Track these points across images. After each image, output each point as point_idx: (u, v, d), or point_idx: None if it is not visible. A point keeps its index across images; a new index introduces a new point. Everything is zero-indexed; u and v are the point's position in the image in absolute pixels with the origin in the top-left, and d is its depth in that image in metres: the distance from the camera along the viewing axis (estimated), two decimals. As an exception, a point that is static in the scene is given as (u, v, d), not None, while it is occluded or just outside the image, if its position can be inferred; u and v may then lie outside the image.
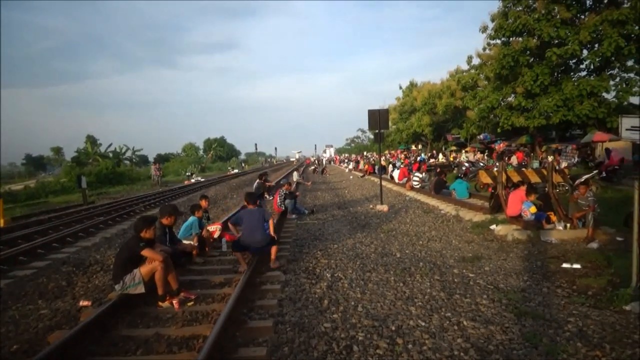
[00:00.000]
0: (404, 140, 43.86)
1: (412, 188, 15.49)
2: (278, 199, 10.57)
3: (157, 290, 4.45)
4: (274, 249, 5.76)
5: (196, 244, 6.16)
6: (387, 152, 53.50)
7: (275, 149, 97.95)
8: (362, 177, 25.98)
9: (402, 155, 35.23)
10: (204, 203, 7.54)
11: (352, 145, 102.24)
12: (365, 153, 66.30)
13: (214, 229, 7.04)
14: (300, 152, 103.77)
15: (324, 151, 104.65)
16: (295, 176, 22.61)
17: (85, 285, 5.50)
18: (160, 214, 5.54)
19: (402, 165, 21.51)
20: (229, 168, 49.77)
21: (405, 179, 17.22)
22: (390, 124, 39.60)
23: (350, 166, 37.14)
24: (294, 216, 10.40)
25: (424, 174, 16.73)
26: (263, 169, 44.38)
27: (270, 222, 5.70)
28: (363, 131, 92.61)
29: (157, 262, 4.41)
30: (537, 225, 7.64)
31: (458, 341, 3.58)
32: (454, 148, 35.76)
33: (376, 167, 26.06)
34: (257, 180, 15.29)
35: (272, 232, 5.70)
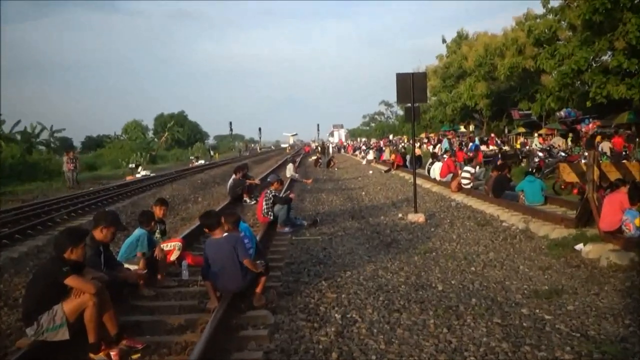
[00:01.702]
0: (448, 118, 43.84)
1: (460, 189, 15.48)
2: (264, 203, 10.60)
3: (88, 336, 4.46)
4: (261, 280, 5.78)
5: (144, 270, 6.19)
6: (423, 135, 53.59)
7: (260, 130, 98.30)
8: (386, 172, 26.00)
9: (449, 140, 35.11)
10: (159, 211, 7.55)
11: (372, 125, 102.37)
12: (391, 137, 66.31)
13: (171, 247, 7.06)
14: (295, 134, 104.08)
15: (331, 134, 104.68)
16: (289, 170, 22.60)
17: (-16, 328, 5.53)
18: (95, 225, 5.55)
19: (447, 154, 21.47)
20: (192, 158, 49.94)
21: (451, 175, 17.20)
22: (429, 94, 39.69)
23: (370, 156, 37.16)
24: (287, 229, 10.41)
25: (477, 168, 16.70)
26: (241, 160, 44.47)
27: (247, 263, 5.61)
28: (388, 105, 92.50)
29: (87, 296, 4.42)
30: (645, 244, 7.60)
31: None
32: (522, 130, 35.72)
33: (408, 158, 26.02)
34: (232, 177, 15.34)
35: (254, 269, 5.69)
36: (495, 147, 28.06)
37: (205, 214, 6.17)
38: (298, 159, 40.55)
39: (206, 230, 6.01)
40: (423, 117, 42.70)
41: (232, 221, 6.19)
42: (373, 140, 69.59)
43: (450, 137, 40.34)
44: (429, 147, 40.26)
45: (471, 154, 20.78)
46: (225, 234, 5.84)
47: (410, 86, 11.70)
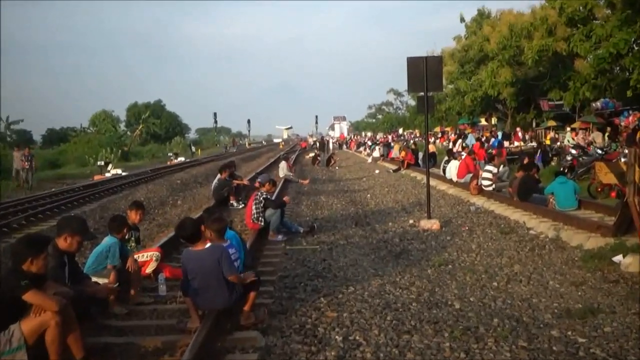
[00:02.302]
0: (467, 110, 43.84)
1: (480, 191, 15.50)
2: (253, 207, 10.61)
3: (50, 359, 4.47)
4: (250, 296, 5.78)
5: (115, 284, 6.19)
6: (438, 128, 53.61)
7: (249, 122, 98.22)
8: (394, 171, 26.01)
9: (472, 134, 35.09)
10: (134, 215, 7.55)
11: (379, 117, 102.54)
12: (401, 131, 66.40)
13: (148, 258, 7.07)
14: (290, 128, 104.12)
15: (331, 127, 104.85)
16: (282, 169, 22.62)
17: None
18: (58, 232, 5.55)
19: (464, 151, 21.48)
20: (170, 154, 49.91)
21: (470, 175, 17.22)
22: (445, 81, 39.57)
23: (376, 153, 37.24)
24: (280, 237, 10.43)
25: (500, 167, 16.72)
26: (227, 157, 44.47)
27: (234, 279, 5.59)
28: (398, 94, 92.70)
29: (49, 314, 4.42)
30: (694, 256, 7.61)
31: None
32: (552, 123, 35.74)
33: (420, 155, 26.04)
34: (217, 176, 15.36)
35: (241, 281, 5.68)
36: (520, 143, 28.09)
37: (181, 224, 5.98)
38: (293, 156, 40.66)
39: (184, 239, 5.95)
40: (438, 108, 42.59)
41: (215, 229, 6.06)
42: (380, 135, 69.72)
43: (469, 131, 40.39)
44: (442, 142, 40.36)
45: (493, 151, 20.80)
46: (208, 244, 5.76)
47: (423, 72, 11.69)
